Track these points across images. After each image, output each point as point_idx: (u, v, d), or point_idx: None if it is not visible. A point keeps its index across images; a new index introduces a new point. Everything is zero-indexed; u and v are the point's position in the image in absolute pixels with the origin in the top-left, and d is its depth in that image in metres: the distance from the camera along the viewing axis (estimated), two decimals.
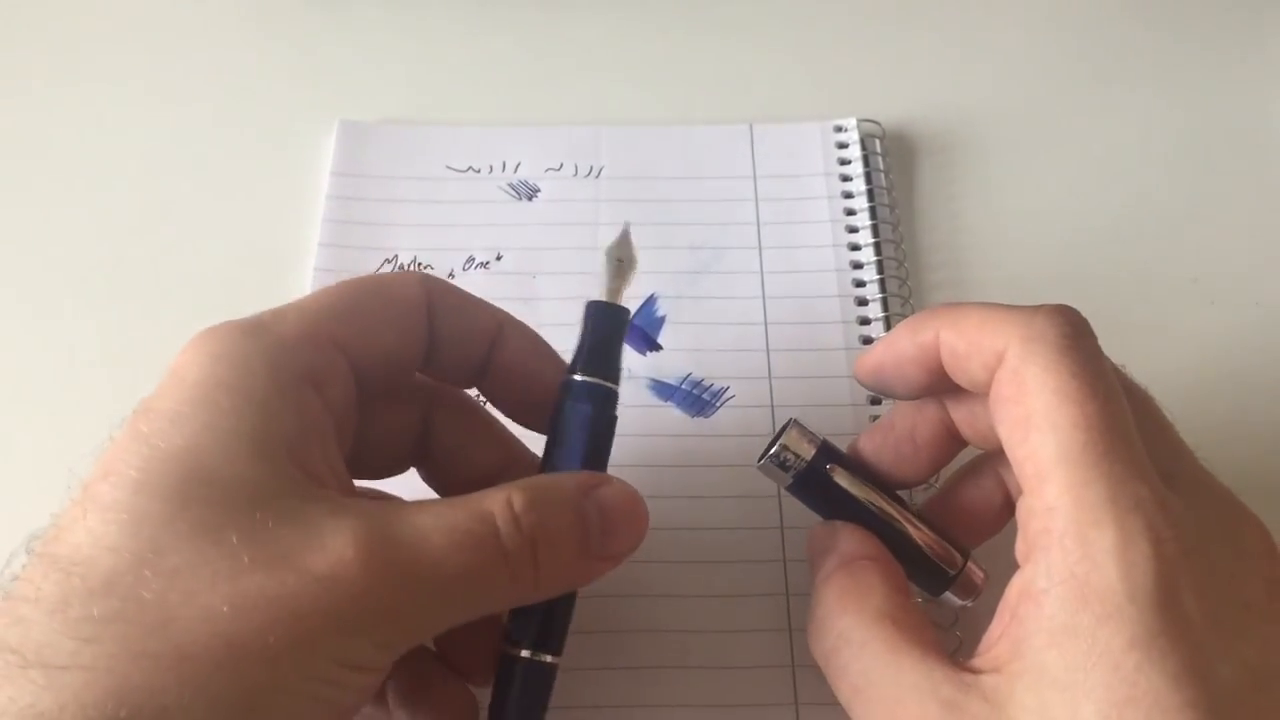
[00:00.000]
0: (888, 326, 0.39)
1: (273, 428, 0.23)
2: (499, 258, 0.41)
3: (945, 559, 0.29)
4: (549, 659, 0.27)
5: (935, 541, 0.29)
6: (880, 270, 0.40)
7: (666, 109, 0.46)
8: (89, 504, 0.21)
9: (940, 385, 0.28)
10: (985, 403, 0.26)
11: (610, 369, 0.28)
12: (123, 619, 0.20)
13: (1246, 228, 0.43)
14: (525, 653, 0.27)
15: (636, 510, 0.26)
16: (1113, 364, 0.26)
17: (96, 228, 0.42)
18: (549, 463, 0.27)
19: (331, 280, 0.28)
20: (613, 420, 0.28)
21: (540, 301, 0.39)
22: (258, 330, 0.24)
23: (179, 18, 0.48)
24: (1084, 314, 0.26)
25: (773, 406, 0.37)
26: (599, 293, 0.28)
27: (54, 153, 0.44)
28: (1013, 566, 0.25)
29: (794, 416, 0.30)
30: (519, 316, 0.30)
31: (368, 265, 0.40)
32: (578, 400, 0.27)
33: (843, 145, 0.44)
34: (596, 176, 0.43)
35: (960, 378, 0.27)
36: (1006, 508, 0.29)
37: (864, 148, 0.43)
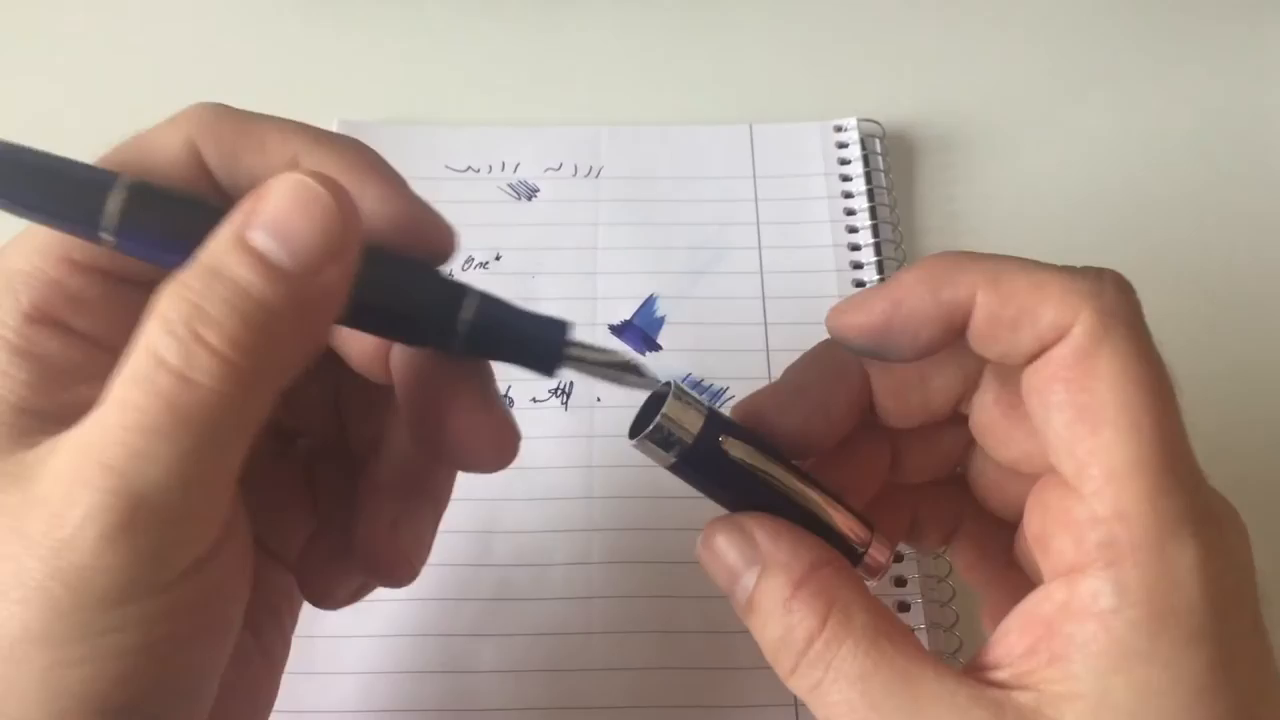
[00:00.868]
0: None
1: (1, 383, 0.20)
2: (498, 258, 0.41)
3: (860, 537, 0.24)
4: None
5: (847, 517, 0.24)
6: (880, 270, 0.40)
7: (666, 109, 0.46)
8: None
9: (948, 346, 0.23)
10: (924, 375, 0.24)
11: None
12: None
13: (1247, 227, 0.43)
14: None
15: (309, 196, 0.19)
16: None
17: None
18: None
19: None
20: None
21: (540, 302, 0.39)
22: None
23: (178, 18, 0.48)
24: None
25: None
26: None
27: (51, 150, 0.44)
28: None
29: (672, 379, 0.24)
30: None
31: None
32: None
33: (843, 145, 0.44)
34: (596, 176, 0.43)
35: (989, 347, 0.22)
36: (887, 469, 0.26)
37: (864, 148, 0.43)
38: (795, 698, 0.32)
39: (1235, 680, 0.19)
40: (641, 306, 0.39)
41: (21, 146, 0.21)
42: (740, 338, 0.39)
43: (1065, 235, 0.42)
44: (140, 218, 0.21)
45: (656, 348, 0.38)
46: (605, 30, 0.48)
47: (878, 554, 0.24)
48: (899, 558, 0.34)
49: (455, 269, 0.40)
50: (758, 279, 0.40)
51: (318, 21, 0.48)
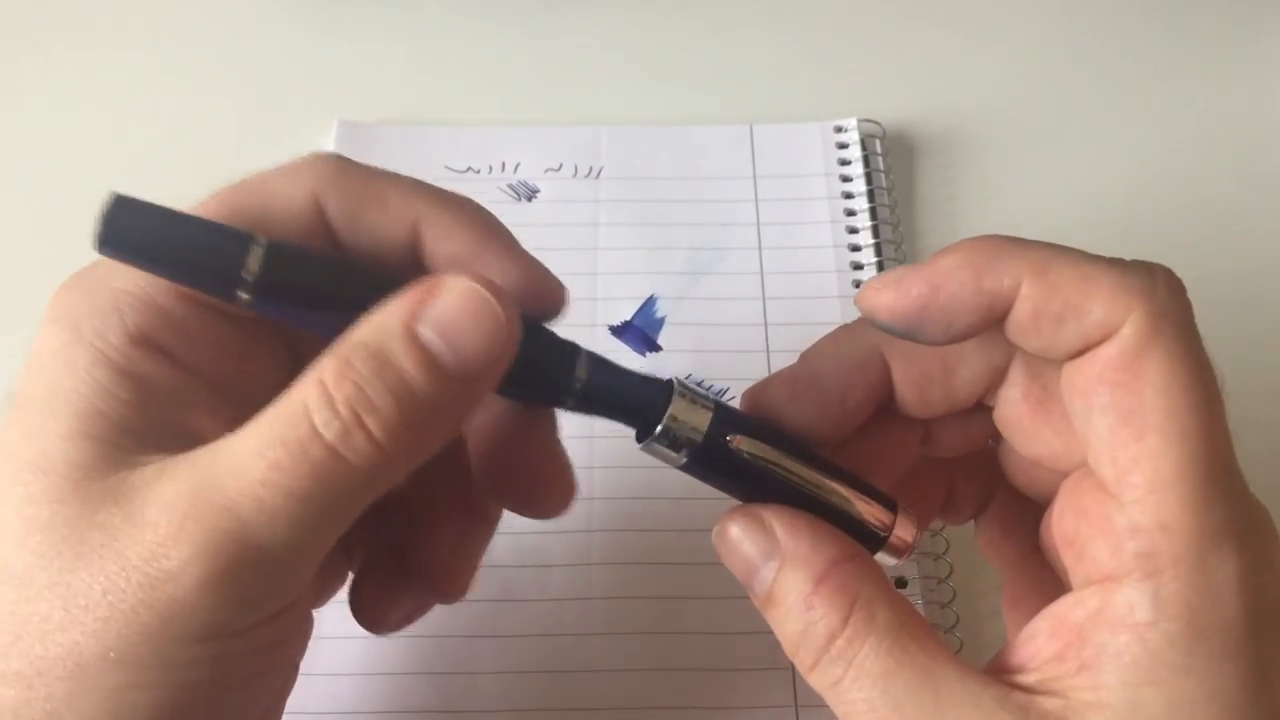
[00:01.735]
0: None
1: (98, 403, 0.20)
2: None
3: (882, 522, 0.24)
4: None
5: (868, 504, 0.23)
6: (880, 271, 0.40)
7: (666, 109, 0.46)
8: None
9: (983, 333, 0.22)
10: (948, 367, 0.23)
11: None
12: None
13: (1248, 227, 0.43)
14: None
15: (480, 304, 0.20)
16: None
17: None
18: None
19: None
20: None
21: None
22: (97, 288, 0.21)
23: (178, 18, 0.48)
24: None
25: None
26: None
27: (53, 152, 0.44)
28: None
29: (674, 377, 0.23)
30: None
31: None
32: None
33: (843, 145, 0.43)
34: (596, 177, 0.43)
35: (1029, 339, 0.21)
36: (919, 444, 0.26)
37: (864, 148, 0.43)
38: (795, 699, 0.32)
39: (1271, 697, 0.19)
40: (642, 307, 0.39)
41: (157, 207, 0.21)
42: (740, 338, 0.39)
43: (1066, 236, 0.42)
44: (278, 280, 0.21)
45: (656, 348, 0.38)
46: (605, 30, 0.48)
47: (904, 534, 0.24)
48: None
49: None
50: (758, 279, 0.40)
51: (318, 21, 0.48)
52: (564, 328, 0.30)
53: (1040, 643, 0.21)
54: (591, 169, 0.43)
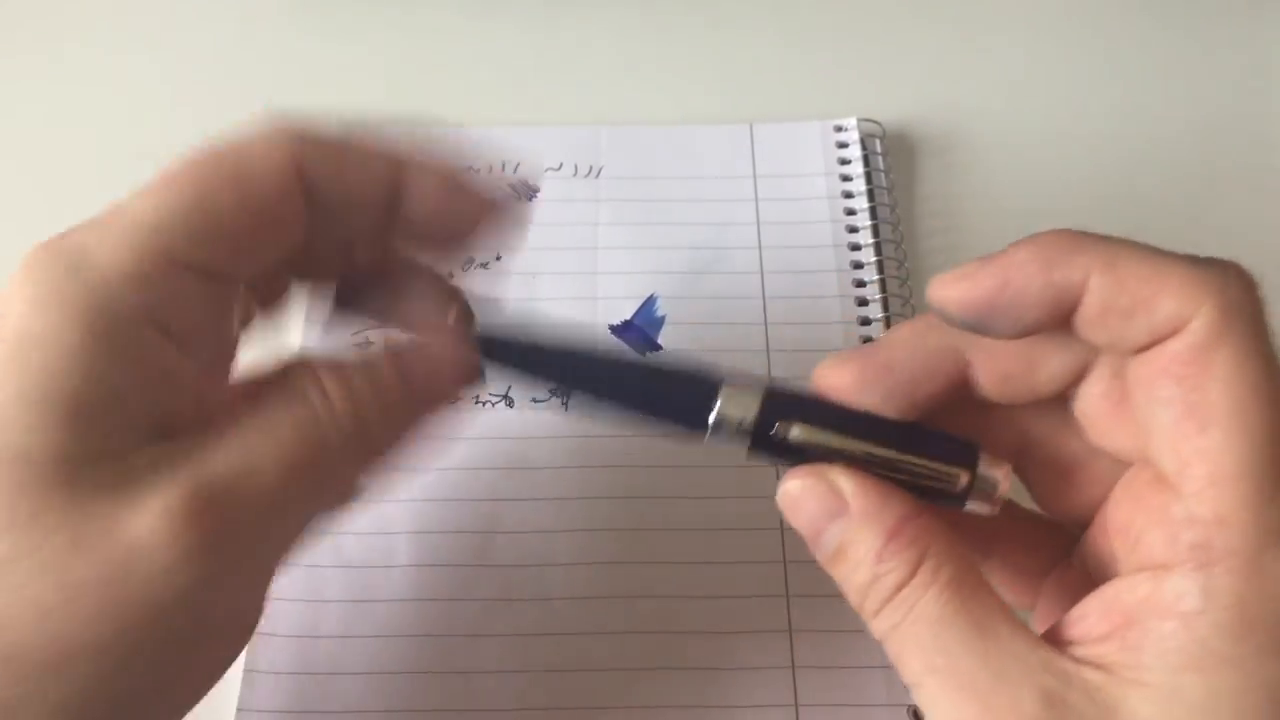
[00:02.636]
0: (888, 326, 0.38)
1: (93, 387, 0.20)
2: (498, 258, 0.41)
3: (957, 478, 0.23)
4: None
5: (939, 466, 0.23)
6: (880, 270, 0.40)
7: (666, 109, 0.46)
8: None
9: (1049, 327, 0.22)
10: (1032, 362, 0.23)
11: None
12: None
13: (1248, 227, 0.43)
14: None
15: (451, 361, 0.24)
16: None
17: None
18: None
19: None
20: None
21: (540, 302, 0.39)
22: (80, 264, 0.20)
23: (177, 18, 0.48)
24: None
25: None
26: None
27: (52, 153, 0.44)
28: None
29: (723, 374, 0.24)
30: None
31: None
32: None
33: (843, 145, 0.43)
34: (596, 176, 0.43)
35: (1100, 334, 0.21)
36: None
37: (864, 147, 0.43)
38: (795, 699, 0.32)
39: None
40: (642, 306, 0.39)
41: (627, 358, 0.23)
42: (741, 337, 0.39)
43: None
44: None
45: (657, 348, 0.38)
46: (605, 30, 0.48)
47: (992, 476, 0.23)
48: None
49: (455, 269, 0.40)
50: (758, 279, 0.40)
51: (317, 22, 0.48)
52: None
53: (1090, 622, 0.21)
54: (591, 169, 0.43)
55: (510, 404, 0.37)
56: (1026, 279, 0.21)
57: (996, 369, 0.24)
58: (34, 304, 0.20)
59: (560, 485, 0.35)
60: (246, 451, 0.21)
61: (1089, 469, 0.25)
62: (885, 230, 0.41)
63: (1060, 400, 0.24)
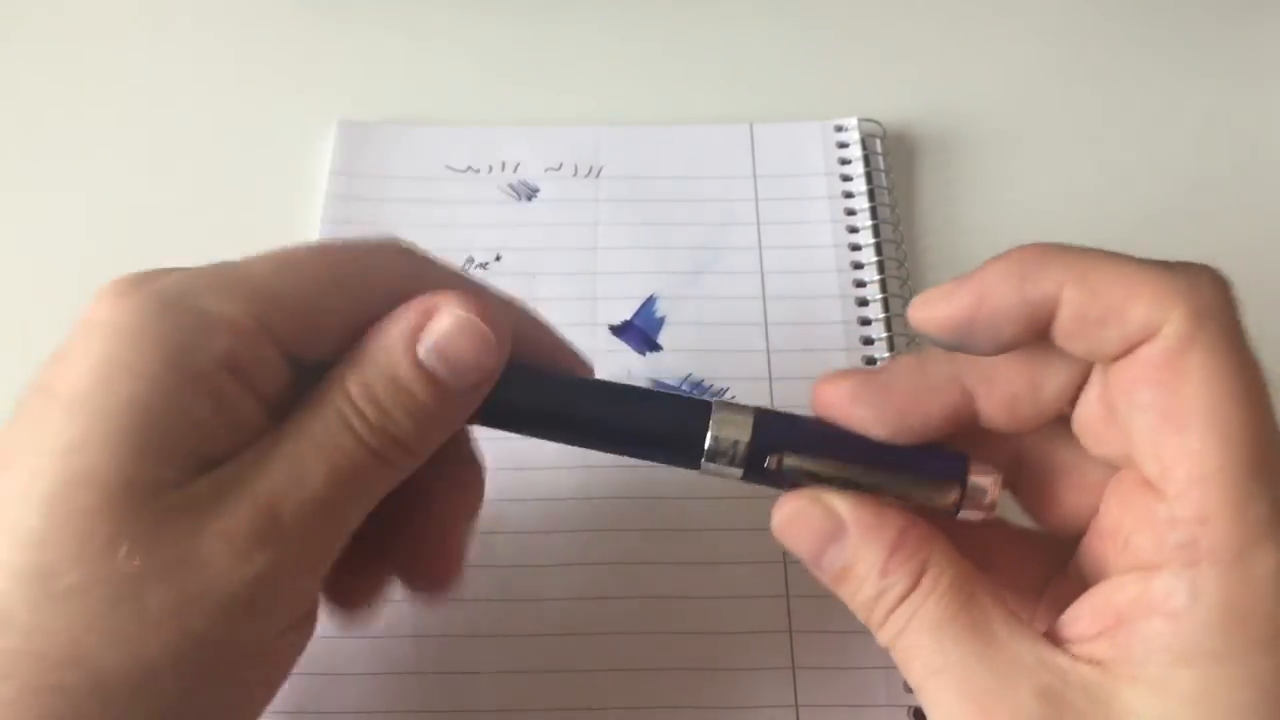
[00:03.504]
0: (888, 327, 0.38)
1: (171, 420, 0.21)
2: (498, 258, 0.41)
3: (947, 495, 0.24)
4: None
5: (931, 480, 0.24)
6: (881, 270, 0.40)
7: (666, 109, 0.46)
8: None
9: (1030, 342, 0.23)
10: (1035, 384, 0.23)
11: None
12: (29, 653, 0.19)
13: (1248, 227, 0.43)
14: None
15: (468, 326, 0.23)
16: None
17: (95, 227, 0.42)
18: None
19: None
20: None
21: (540, 302, 0.39)
22: (177, 305, 0.21)
23: (178, 18, 0.48)
24: None
25: (773, 407, 0.37)
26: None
27: (52, 152, 0.44)
28: None
29: (712, 400, 0.25)
30: None
31: None
32: None
33: (843, 145, 0.43)
34: (596, 176, 0.43)
35: (1077, 345, 0.22)
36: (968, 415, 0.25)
37: (864, 147, 0.43)
38: (795, 699, 0.32)
39: None
40: (642, 307, 0.39)
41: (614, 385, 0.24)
42: (741, 338, 0.39)
43: (1066, 236, 0.42)
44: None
45: (657, 348, 0.38)
46: (605, 30, 0.48)
47: (980, 484, 0.24)
48: None
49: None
50: (758, 279, 0.40)
51: (318, 21, 0.48)
52: (565, 327, 0.30)
53: (1084, 623, 0.22)
54: (591, 169, 0.43)
55: None
56: (1001, 295, 0.22)
57: (1002, 394, 0.24)
58: (125, 333, 0.21)
59: (560, 485, 0.35)
60: (293, 467, 0.22)
61: (1081, 477, 0.25)
62: (885, 230, 0.41)
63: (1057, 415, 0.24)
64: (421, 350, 0.23)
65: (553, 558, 0.34)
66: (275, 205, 0.42)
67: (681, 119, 0.45)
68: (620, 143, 0.44)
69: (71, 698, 0.19)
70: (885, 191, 0.42)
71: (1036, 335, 0.22)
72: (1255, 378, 0.21)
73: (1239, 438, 0.20)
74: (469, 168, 0.43)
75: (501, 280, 0.40)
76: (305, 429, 0.22)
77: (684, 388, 0.37)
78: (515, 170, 0.43)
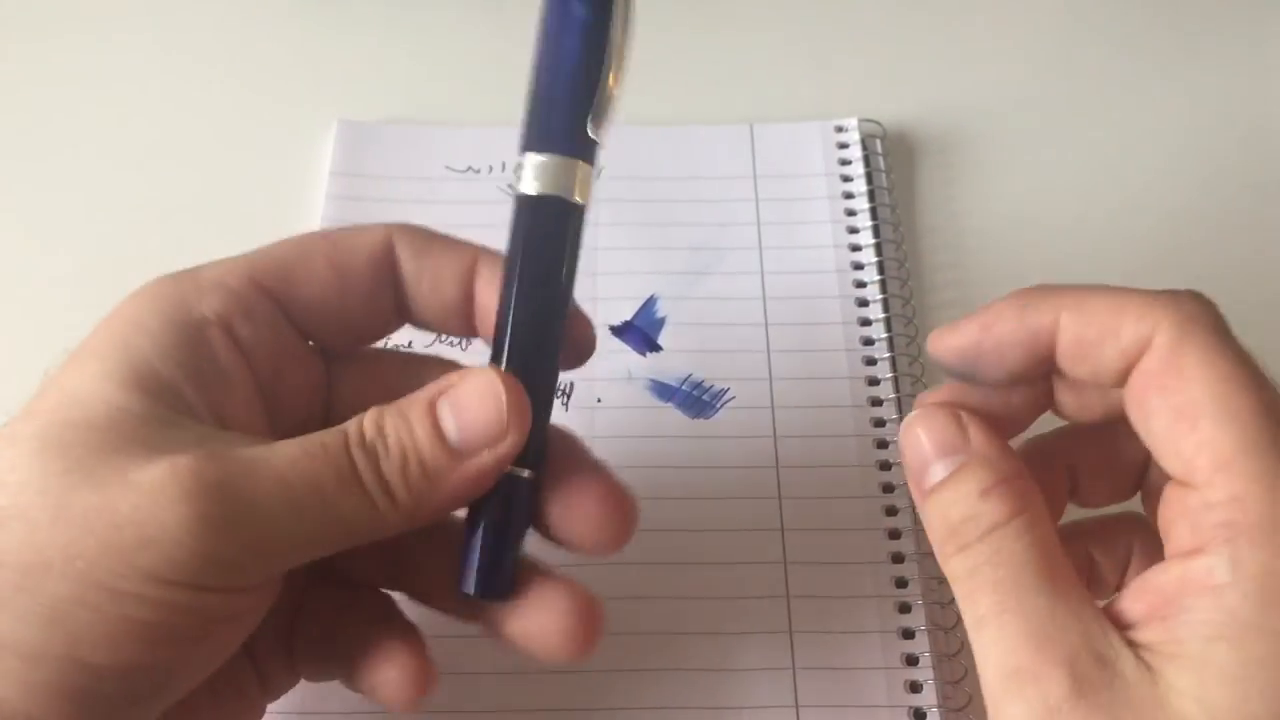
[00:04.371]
0: (888, 327, 0.38)
1: (157, 363, 0.23)
2: None
3: None
4: (525, 473, 0.26)
5: None
6: (881, 271, 0.40)
7: (666, 109, 0.46)
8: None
9: (1038, 372, 0.25)
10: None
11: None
12: None
13: (1248, 227, 0.43)
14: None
15: (488, 392, 0.24)
16: None
17: (95, 227, 0.42)
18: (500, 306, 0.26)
19: None
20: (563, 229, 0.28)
21: None
22: (180, 274, 0.25)
23: (177, 17, 0.48)
24: None
25: (773, 408, 0.37)
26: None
27: (52, 152, 0.44)
28: None
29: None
30: None
31: None
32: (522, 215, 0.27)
33: (843, 145, 0.43)
34: (596, 177, 0.43)
35: (1081, 368, 0.24)
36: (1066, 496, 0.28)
37: (865, 148, 0.43)
38: (795, 699, 0.32)
39: None
40: (642, 307, 0.39)
41: None
42: (741, 338, 0.39)
43: (1066, 235, 0.42)
44: None
45: (657, 348, 0.38)
46: None
47: None
48: (899, 558, 0.34)
49: None
50: (758, 279, 0.40)
51: (318, 21, 0.48)
52: None
53: (1132, 610, 0.23)
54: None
55: None
56: (1005, 324, 0.24)
57: (1097, 462, 0.27)
58: (134, 297, 0.25)
59: None
60: (269, 448, 0.23)
61: (1129, 469, 0.27)
62: (885, 230, 0.41)
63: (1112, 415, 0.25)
64: (441, 403, 0.24)
65: (553, 558, 0.34)
66: (275, 206, 0.42)
67: (682, 120, 0.45)
68: (620, 143, 0.44)
69: None
70: (885, 192, 0.42)
71: (1041, 361, 0.24)
72: (1250, 366, 0.22)
73: (1252, 420, 0.21)
74: (469, 168, 0.43)
75: None
76: (312, 434, 0.23)
77: (684, 388, 0.37)
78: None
